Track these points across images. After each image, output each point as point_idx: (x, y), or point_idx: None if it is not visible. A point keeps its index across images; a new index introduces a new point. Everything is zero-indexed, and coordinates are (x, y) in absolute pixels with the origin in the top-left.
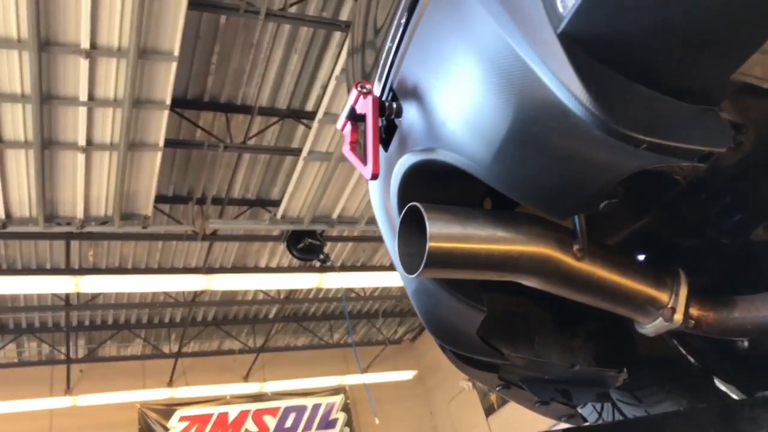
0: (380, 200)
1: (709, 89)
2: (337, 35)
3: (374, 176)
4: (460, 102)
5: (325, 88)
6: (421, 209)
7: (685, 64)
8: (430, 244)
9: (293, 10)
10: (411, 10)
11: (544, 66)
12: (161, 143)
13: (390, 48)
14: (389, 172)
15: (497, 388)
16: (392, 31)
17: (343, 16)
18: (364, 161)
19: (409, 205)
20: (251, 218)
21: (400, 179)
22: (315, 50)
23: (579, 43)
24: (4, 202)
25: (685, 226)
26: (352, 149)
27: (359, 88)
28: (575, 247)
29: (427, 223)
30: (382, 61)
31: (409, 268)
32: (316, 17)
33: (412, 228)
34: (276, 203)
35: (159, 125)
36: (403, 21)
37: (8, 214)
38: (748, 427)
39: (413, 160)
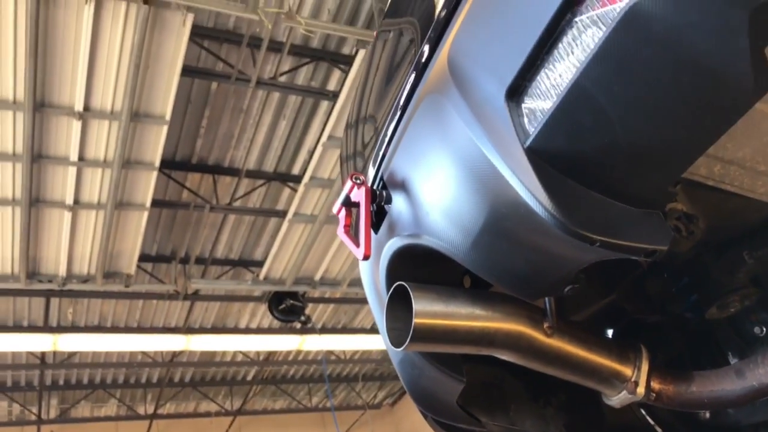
0: (370, 278)
1: (652, 196)
2: (325, 104)
3: (366, 257)
4: (442, 197)
5: (311, 153)
6: (408, 288)
7: (631, 176)
8: (415, 320)
9: (283, 79)
10: (402, 113)
11: (514, 175)
12: (148, 203)
13: (382, 143)
14: (379, 253)
15: None
16: (384, 129)
17: (331, 86)
18: (357, 244)
19: (396, 283)
20: (234, 278)
21: (388, 260)
22: (303, 117)
23: (542, 156)
24: None
25: (648, 303)
26: (346, 232)
27: (354, 180)
28: (545, 325)
29: (413, 301)
30: (374, 154)
31: (396, 341)
32: (305, 86)
33: (399, 304)
34: (259, 264)
35: (147, 186)
36: (393, 123)
37: None
38: None
39: (400, 244)
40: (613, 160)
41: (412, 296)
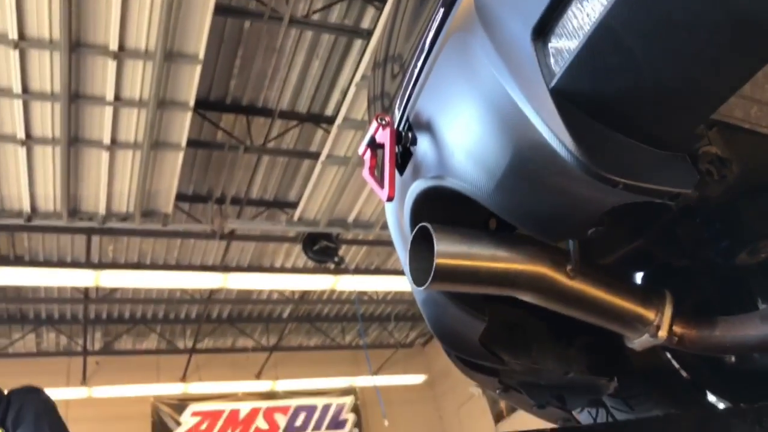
0: (395, 219)
1: (678, 139)
2: (358, 42)
3: (390, 199)
4: (467, 138)
5: (344, 93)
6: (431, 229)
7: (657, 119)
8: (437, 260)
9: (316, 17)
10: (428, 53)
11: (538, 116)
12: (183, 143)
13: (408, 84)
14: (403, 195)
15: (497, 391)
16: (410, 69)
17: (365, 24)
18: (382, 185)
19: (420, 224)
20: (268, 219)
21: (412, 202)
22: (336, 56)
23: (567, 97)
24: (30, 196)
25: (678, 248)
26: (371, 173)
27: (379, 120)
28: (568, 268)
29: (435, 242)
30: (400, 95)
31: (419, 281)
32: (338, 24)
33: (422, 245)
34: (293, 205)
35: (182, 126)
36: (419, 63)
37: (33, 208)
38: None
39: (425, 186)
40: (638, 102)
41: (434, 237)
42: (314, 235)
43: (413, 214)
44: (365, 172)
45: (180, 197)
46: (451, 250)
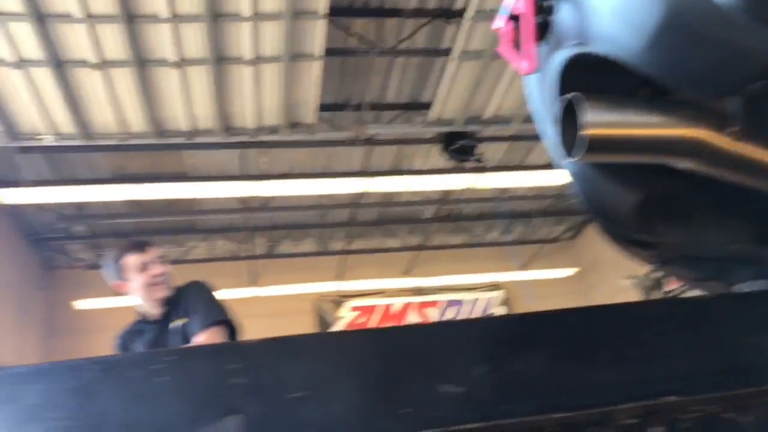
0: (537, 93)
1: None
2: None
3: (532, 71)
4: None
5: None
6: (581, 99)
7: None
8: (589, 130)
9: None
10: None
11: None
12: (321, 53)
13: None
14: (545, 67)
15: (656, 264)
16: None
17: None
18: (521, 58)
19: (568, 95)
20: (405, 122)
21: (557, 72)
22: None
23: None
24: (189, 117)
25: None
26: (510, 48)
27: None
28: (730, 129)
29: (587, 112)
30: None
31: (570, 153)
32: None
33: (571, 117)
34: (428, 106)
35: (317, 35)
36: None
37: (193, 127)
38: None
39: (569, 54)
40: None
41: (585, 106)
42: (452, 135)
43: (559, 85)
44: (502, 47)
45: (320, 107)
46: (602, 119)
